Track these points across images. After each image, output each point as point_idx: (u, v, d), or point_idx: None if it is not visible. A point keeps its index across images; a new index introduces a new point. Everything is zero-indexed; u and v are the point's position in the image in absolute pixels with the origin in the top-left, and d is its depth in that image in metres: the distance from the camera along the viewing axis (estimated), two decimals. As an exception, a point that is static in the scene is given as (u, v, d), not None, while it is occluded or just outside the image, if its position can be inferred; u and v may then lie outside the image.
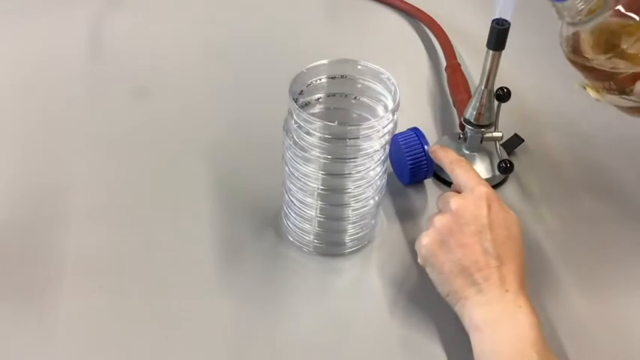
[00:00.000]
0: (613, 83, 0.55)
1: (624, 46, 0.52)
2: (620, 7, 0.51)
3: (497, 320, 0.50)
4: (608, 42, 0.53)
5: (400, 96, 0.54)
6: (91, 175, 0.69)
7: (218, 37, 0.88)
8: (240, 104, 0.78)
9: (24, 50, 0.85)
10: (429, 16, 0.88)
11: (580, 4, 0.52)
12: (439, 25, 0.86)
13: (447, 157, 0.59)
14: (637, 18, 0.51)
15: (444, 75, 0.79)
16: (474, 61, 0.80)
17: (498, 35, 0.59)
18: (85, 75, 0.81)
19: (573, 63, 0.56)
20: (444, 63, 0.81)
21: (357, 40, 0.88)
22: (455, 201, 0.54)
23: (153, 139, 0.73)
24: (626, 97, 0.55)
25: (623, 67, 0.53)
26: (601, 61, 0.54)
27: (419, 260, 0.55)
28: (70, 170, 0.69)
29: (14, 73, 0.81)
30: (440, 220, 0.54)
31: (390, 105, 0.56)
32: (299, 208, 0.60)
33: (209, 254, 0.61)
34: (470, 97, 0.67)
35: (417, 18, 0.90)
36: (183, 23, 0.91)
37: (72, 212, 0.64)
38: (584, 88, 0.58)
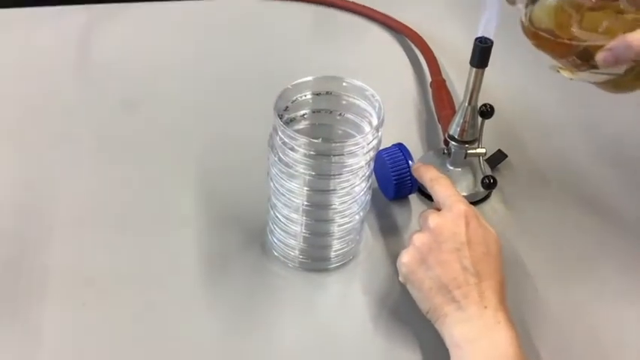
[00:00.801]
0: (576, 59, 0.56)
1: (575, 18, 0.55)
2: None
3: (476, 337, 0.50)
4: (561, 17, 0.56)
5: (385, 112, 0.55)
6: (77, 187, 0.69)
7: (206, 51, 0.89)
8: (227, 119, 0.78)
9: (13, 60, 0.85)
10: (414, 31, 0.89)
11: None
12: (424, 41, 0.87)
13: (427, 175, 0.59)
14: None
15: (430, 90, 0.80)
16: (459, 77, 0.81)
17: (481, 53, 0.60)
18: (74, 86, 0.81)
19: (537, 44, 0.58)
20: (429, 78, 0.82)
21: (343, 55, 0.89)
22: (433, 219, 0.55)
23: (139, 152, 0.73)
24: (595, 71, 0.56)
25: (579, 39, 0.55)
26: (563, 37, 0.56)
27: (400, 278, 0.56)
28: (56, 182, 0.69)
29: (2, 82, 0.81)
30: (419, 238, 0.55)
31: (375, 122, 0.56)
32: (284, 223, 0.61)
33: (195, 269, 0.61)
34: (454, 113, 0.68)
35: (403, 34, 0.91)
36: (173, 37, 0.91)
37: (56, 225, 0.64)
38: (558, 70, 0.59)
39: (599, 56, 0.54)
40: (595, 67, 0.55)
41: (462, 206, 0.55)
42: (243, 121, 0.77)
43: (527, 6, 0.57)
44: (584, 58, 0.56)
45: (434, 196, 0.58)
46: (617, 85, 0.58)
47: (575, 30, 0.55)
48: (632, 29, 0.53)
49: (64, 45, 0.87)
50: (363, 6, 0.95)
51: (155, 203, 0.68)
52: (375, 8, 0.94)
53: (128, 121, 0.77)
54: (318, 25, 0.95)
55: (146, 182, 0.70)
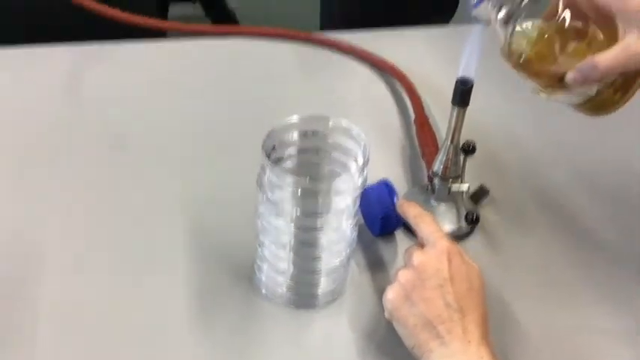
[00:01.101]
0: (549, 80, 0.60)
1: (551, 46, 0.58)
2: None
3: None
4: (541, 44, 0.59)
5: (370, 149, 0.56)
6: (66, 226, 0.69)
7: (193, 90, 0.90)
8: (215, 158, 0.79)
9: (6, 99, 0.85)
10: (397, 70, 0.91)
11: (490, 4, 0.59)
12: (408, 79, 0.89)
13: (411, 212, 0.61)
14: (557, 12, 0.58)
15: (414, 127, 0.82)
16: (441, 114, 0.83)
17: (462, 93, 0.61)
18: (62, 125, 0.82)
19: (515, 67, 0.61)
20: (413, 115, 0.84)
21: (328, 93, 0.90)
22: (417, 256, 0.56)
23: (128, 190, 0.74)
24: (568, 91, 0.59)
25: (549, 61, 0.59)
26: (538, 62, 0.59)
27: (385, 314, 0.57)
28: (46, 221, 0.69)
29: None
30: (404, 275, 0.56)
31: (361, 160, 0.57)
32: (272, 261, 0.61)
33: (183, 306, 0.62)
34: (438, 150, 0.70)
35: (387, 72, 0.93)
36: (161, 76, 0.92)
37: (46, 265, 0.65)
38: (538, 93, 0.61)
39: (569, 76, 0.57)
40: (566, 87, 0.59)
41: (445, 243, 0.56)
42: (231, 159, 0.78)
43: (505, 24, 0.60)
44: (558, 80, 0.59)
45: (417, 233, 0.59)
46: (592, 107, 0.61)
47: (551, 55, 0.59)
48: (597, 50, 0.57)
49: (53, 84, 0.88)
50: (347, 44, 0.97)
51: (144, 241, 0.68)
52: (358, 46, 0.96)
53: (117, 161, 0.78)
54: (303, 63, 0.96)
55: (134, 220, 0.70)
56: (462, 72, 0.61)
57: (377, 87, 0.92)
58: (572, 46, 0.59)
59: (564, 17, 0.58)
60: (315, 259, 0.60)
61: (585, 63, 0.57)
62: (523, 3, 0.58)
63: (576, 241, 0.71)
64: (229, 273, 0.65)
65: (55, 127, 0.82)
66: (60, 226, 0.69)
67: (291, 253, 0.60)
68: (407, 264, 0.57)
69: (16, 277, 0.63)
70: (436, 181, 0.68)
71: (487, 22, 0.61)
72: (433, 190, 0.69)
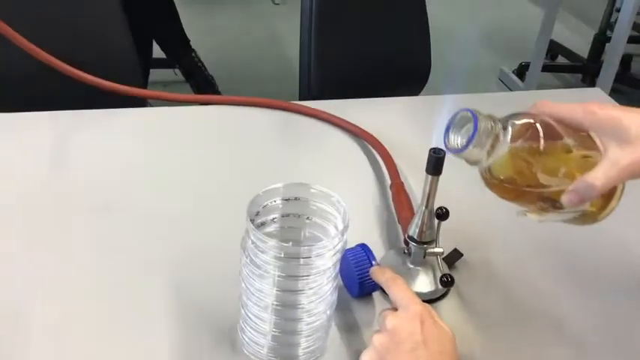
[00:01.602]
0: (543, 203, 0.60)
1: (533, 169, 0.58)
2: (515, 137, 0.58)
3: None
4: (521, 168, 0.59)
5: (349, 215, 0.59)
6: (49, 288, 0.70)
7: (176, 157, 0.93)
8: (199, 223, 0.81)
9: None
10: (373, 137, 0.95)
11: (476, 151, 0.58)
12: (383, 146, 0.93)
13: (383, 277, 0.63)
14: (535, 143, 0.57)
15: (389, 193, 0.85)
16: (416, 179, 0.87)
17: (435, 162, 0.65)
18: (47, 189, 0.84)
19: (501, 196, 0.61)
20: (388, 181, 0.87)
21: (308, 159, 0.94)
22: (390, 320, 0.58)
23: (112, 253, 0.76)
24: (562, 211, 0.60)
25: (542, 186, 0.59)
26: (523, 185, 0.59)
27: None
28: (30, 283, 0.70)
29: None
30: (378, 339, 0.58)
31: (340, 225, 0.60)
32: (254, 322, 0.63)
33: (166, 369, 0.63)
34: (413, 214, 0.73)
35: (363, 139, 0.97)
36: (144, 142, 0.95)
37: (29, 325, 0.66)
38: (525, 214, 0.62)
39: (564, 199, 0.58)
40: (560, 207, 0.59)
41: (417, 307, 0.58)
42: (213, 222, 0.80)
43: (486, 158, 0.59)
44: (549, 202, 0.59)
45: (390, 297, 0.61)
46: (583, 219, 0.62)
47: (535, 177, 0.58)
48: (584, 166, 0.57)
49: (38, 149, 0.91)
50: (325, 112, 1.01)
51: (127, 302, 0.70)
52: (336, 115, 1.01)
53: (100, 224, 0.79)
54: (282, 130, 1.00)
55: (118, 282, 0.72)
56: (434, 143, 0.65)
57: (353, 153, 0.96)
58: (549, 164, 0.58)
59: (539, 138, 0.58)
60: (297, 320, 0.62)
61: (580, 183, 0.57)
62: (501, 137, 0.58)
63: (547, 301, 0.74)
64: (213, 334, 0.66)
65: (40, 191, 0.84)
66: (43, 287, 0.70)
67: (273, 315, 0.62)
68: (381, 327, 0.59)
69: (4, 339, 0.64)
70: (412, 245, 0.71)
71: (470, 162, 0.61)
72: (409, 254, 0.72)
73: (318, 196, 0.62)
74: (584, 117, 0.59)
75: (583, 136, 0.59)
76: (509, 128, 0.58)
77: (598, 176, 0.57)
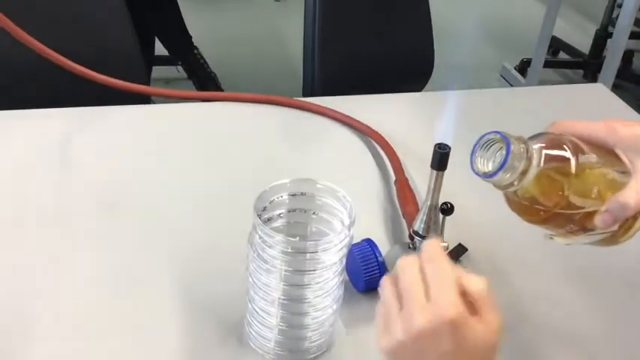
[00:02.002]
0: (573, 225, 0.58)
1: (565, 191, 0.56)
2: (546, 159, 0.55)
3: None
4: (552, 190, 0.56)
5: (355, 210, 0.60)
6: (56, 284, 0.71)
7: (185, 154, 0.93)
8: (203, 216, 0.82)
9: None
10: (377, 133, 0.96)
11: (508, 176, 0.55)
12: (387, 142, 0.94)
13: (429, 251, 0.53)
14: (566, 164, 0.55)
15: (394, 188, 0.86)
16: (420, 174, 0.87)
17: (440, 158, 0.65)
18: (53, 186, 0.85)
19: (529, 220, 0.59)
20: (392, 176, 0.88)
21: (312, 155, 0.95)
22: (414, 313, 0.49)
23: (119, 249, 0.76)
24: (591, 232, 0.58)
25: (574, 208, 0.56)
26: (554, 208, 0.56)
27: None
28: (34, 280, 0.71)
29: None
30: (396, 335, 0.50)
31: (346, 220, 0.61)
32: (261, 316, 0.64)
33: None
34: (417, 209, 0.73)
35: (367, 135, 0.97)
36: (149, 139, 0.96)
37: (37, 324, 0.66)
38: (552, 238, 0.60)
39: (598, 220, 0.56)
40: (589, 229, 0.57)
41: (451, 311, 0.48)
42: (220, 220, 0.81)
43: (513, 184, 0.56)
44: (578, 223, 0.57)
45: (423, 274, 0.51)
46: (610, 241, 0.60)
47: (567, 199, 0.56)
48: (614, 185, 0.56)
49: (44, 146, 0.91)
50: (329, 108, 1.02)
51: (135, 298, 0.70)
52: (340, 111, 1.01)
53: (107, 219, 0.80)
54: (286, 126, 1.01)
55: (126, 277, 0.73)
56: (439, 139, 0.65)
57: (357, 149, 0.97)
58: (581, 185, 0.56)
59: (570, 158, 0.55)
60: (303, 314, 0.63)
61: (613, 203, 0.55)
62: (534, 161, 0.55)
63: (550, 296, 0.75)
64: (219, 328, 0.67)
65: (46, 188, 0.84)
66: (50, 284, 0.71)
67: (280, 309, 0.62)
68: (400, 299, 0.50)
69: (6, 338, 0.65)
70: (417, 239, 0.72)
71: (498, 186, 0.57)
72: (414, 248, 0.73)
73: (324, 191, 0.63)
74: (607, 135, 0.58)
75: (608, 153, 0.58)
76: (540, 150, 0.56)
77: (632, 195, 0.55)
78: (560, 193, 0.55)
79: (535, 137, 0.58)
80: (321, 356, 0.66)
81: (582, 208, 0.56)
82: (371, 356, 0.63)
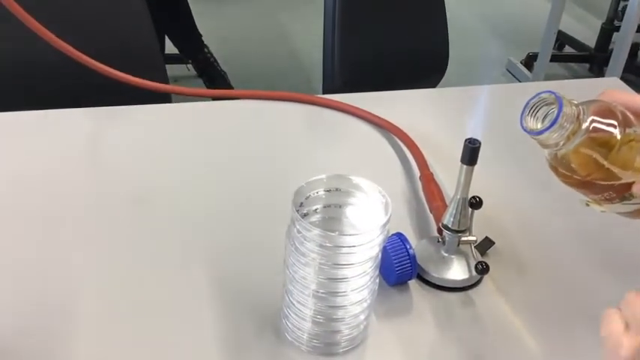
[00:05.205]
0: (612, 192, 0.59)
1: (608, 158, 0.56)
2: (595, 125, 0.56)
3: None
4: (595, 156, 0.57)
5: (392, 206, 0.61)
6: (93, 281, 0.72)
7: (212, 152, 0.95)
8: (238, 214, 0.83)
9: (27, 162, 0.89)
10: (400, 129, 0.97)
11: (556, 135, 0.56)
12: (410, 138, 0.95)
13: None
14: (613, 131, 0.56)
15: (418, 183, 0.87)
16: (443, 170, 0.88)
17: (471, 153, 0.67)
18: (83, 184, 0.86)
19: (568, 183, 0.60)
20: (416, 172, 0.89)
21: (335, 151, 0.96)
22: None
23: (154, 244, 0.78)
24: (627, 202, 0.59)
25: (615, 177, 0.57)
26: (594, 176, 0.58)
27: None
28: (72, 277, 0.73)
29: (16, 186, 0.85)
30: None
31: (382, 215, 0.62)
32: (297, 308, 0.65)
33: (211, 352, 0.65)
34: (444, 204, 0.75)
35: (389, 131, 0.99)
36: (176, 136, 0.97)
37: (74, 320, 0.68)
38: (587, 204, 0.61)
39: (637, 188, 0.56)
40: (627, 198, 0.58)
41: None
42: (252, 215, 0.82)
43: (558, 144, 0.57)
44: (618, 191, 0.58)
45: None
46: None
47: (609, 166, 0.56)
48: None
49: (71, 145, 0.93)
50: (351, 105, 1.03)
51: (169, 291, 0.72)
52: (361, 107, 1.02)
53: (139, 216, 0.82)
54: (309, 123, 1.02)
55: (163, 272, 0.74)
56: (470, 133, 0.67)
57: (379, 145, 0.98)
58: (625, 154, 0.56)
59: (617, 126, 0.56)
60: (338, 307, 0.64)
61: None
62: (583, 124, 0.56)
63: (579, 288, 0.76)
64: (257, 320, 0.68)
65: (76, 187, 0.86)
66: (86, 281, 0.72)
67: (316, 301, 0.64)
68: None
69: (44, 335, 0.66)
70: (446, 233, 0.73)
71: (543, 145, 0.58)
72: (444, 242, 0.74)
73: (360, 186, 0.64)
74: None
75: None
76: (589, 115, 0.57)
77: None
78: (603, 160, 0.56)
79: (586, 103, 0.59)
80: (354, 349, 0.67)
81: (622, 178, 0.57)
82: (402, 350, 0.65)
